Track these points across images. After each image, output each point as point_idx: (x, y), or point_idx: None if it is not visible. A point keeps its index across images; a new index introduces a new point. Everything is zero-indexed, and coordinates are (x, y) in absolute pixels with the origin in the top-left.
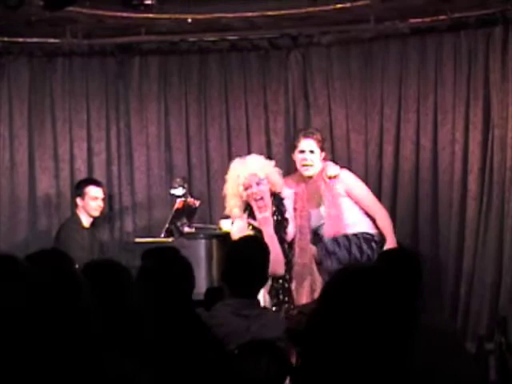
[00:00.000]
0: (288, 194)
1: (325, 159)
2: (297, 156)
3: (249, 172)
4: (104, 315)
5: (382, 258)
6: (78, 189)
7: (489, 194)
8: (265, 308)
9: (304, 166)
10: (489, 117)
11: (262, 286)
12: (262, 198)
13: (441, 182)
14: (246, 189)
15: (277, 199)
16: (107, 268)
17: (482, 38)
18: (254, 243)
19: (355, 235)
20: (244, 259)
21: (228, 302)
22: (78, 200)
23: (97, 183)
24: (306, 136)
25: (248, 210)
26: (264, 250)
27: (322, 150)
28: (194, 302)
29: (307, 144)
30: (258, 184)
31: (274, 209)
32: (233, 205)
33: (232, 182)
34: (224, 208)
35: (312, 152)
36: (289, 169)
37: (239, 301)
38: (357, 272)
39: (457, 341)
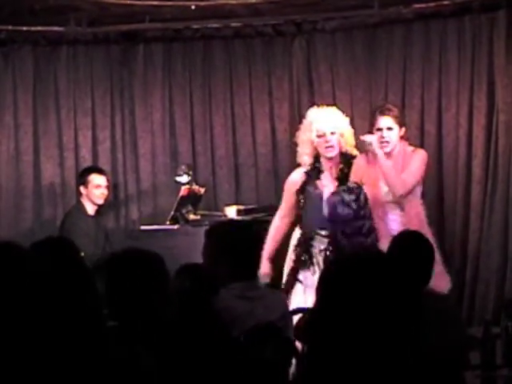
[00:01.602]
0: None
1: (402, 137)
2: (376, 134)
3: (324, 121)
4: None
5: (394, 242)
6: (82, 177)
7: (493, 178)
8: (266, 288)
9: (381, 143)
10: (493, 102)
11: (258, 265)
12: (332, 146)
13: (445, 167)
14: (318, 136)
15: (345, 159)
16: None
17: (486, 23)
18: (237, 226)
19: None
20: (234, 242)
21: (231, 287)
22: (82, 188)
23: (100, 171)
24: (383, 113)
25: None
26: (249, 229)
27: (401, 125)
28: None
29: (385, 121)
30: (331, 133)
31: (339, 168)
32: (302, 152)
33: (304, 129)
34: (227, 194)
35: (390, 129)
36: (293, 154)
37: (242, 284)
38: (353, 260)
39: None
